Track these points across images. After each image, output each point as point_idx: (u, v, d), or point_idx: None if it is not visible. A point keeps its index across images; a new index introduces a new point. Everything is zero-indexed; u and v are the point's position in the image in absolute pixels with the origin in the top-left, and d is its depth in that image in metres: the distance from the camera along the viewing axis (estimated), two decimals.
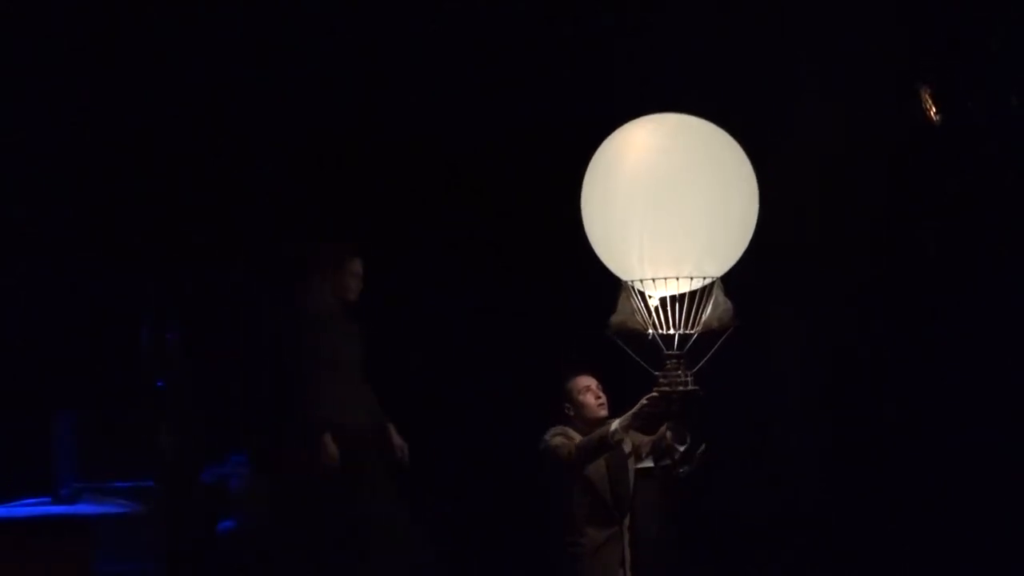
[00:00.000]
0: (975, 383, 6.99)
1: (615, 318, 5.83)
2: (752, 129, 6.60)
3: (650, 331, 5.71)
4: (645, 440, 6.24)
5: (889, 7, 7.07)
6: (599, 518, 6.27)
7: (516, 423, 6.72)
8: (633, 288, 5.68)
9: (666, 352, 5.65)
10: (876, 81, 7.09)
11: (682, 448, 5.93)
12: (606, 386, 6.39)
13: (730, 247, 5.70)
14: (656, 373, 5.70)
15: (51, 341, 7.13)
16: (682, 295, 5.66)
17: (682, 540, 6.62)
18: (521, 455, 6.46)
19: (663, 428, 5.97)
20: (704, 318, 5.68)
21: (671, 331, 5.70)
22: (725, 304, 5.77)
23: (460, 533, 7.35)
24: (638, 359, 5.68)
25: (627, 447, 6.27)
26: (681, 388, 5.66)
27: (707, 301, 5.69)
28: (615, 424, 6.09)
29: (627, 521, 6.31)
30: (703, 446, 5.92)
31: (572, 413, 6.37)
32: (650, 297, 5.69)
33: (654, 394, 5.78)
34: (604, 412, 6.44)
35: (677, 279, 5.60)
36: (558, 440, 6.23)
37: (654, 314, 5.67)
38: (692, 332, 5.66)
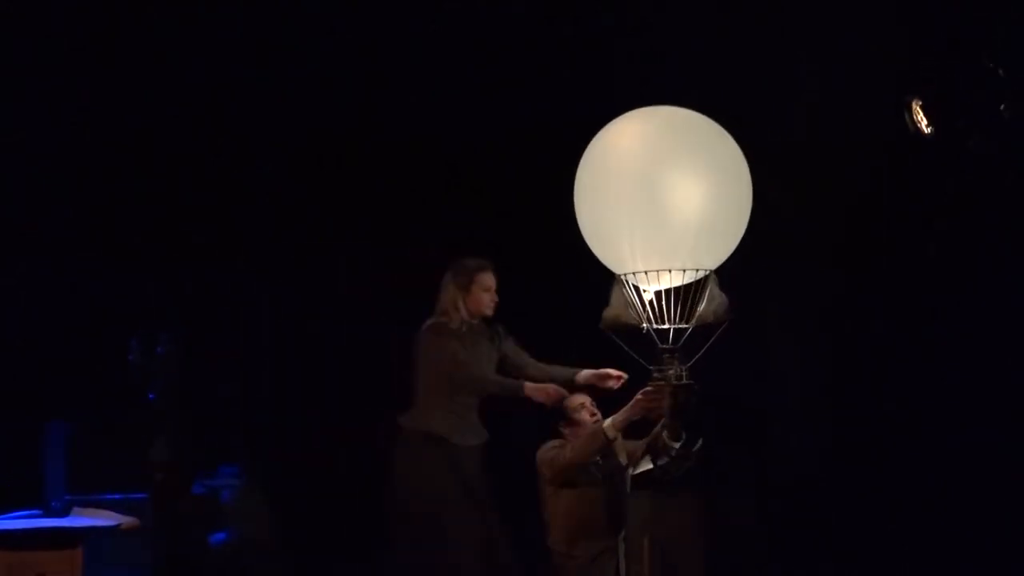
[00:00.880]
0: (975, 383, 6.99)
1: (608, 312, 5.84)
2: (752, 128, 6.60)
3: (644, 325, 5.72)
4: (640, 445, 6.24)
5: (889, 7, 7.07)
6: (594, 531, 6.27)
7: (515, 422, 6.71)
8: (627, 282, 5.68)
9: (660, 346, 5.66)
10: (876, 81, 7.08)
11: (678, 445, 5.94)
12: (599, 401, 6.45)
13: (724, 237, 5.69)
14: (651, 367, 5.71)
15: (44, 350, 7.12)
16: (676, 288, 5.66)
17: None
18: (520, 456, 6.47)
19: (657, 428, 5.97)
20: (699, 311, 5.68)
21: (665, 325, 5.71)
22: (720, 298, 5.76)
23: None
24: (633, 353, 5.69)
25: (623, 458, 6.27)
26: (676, 382, 5.68)
27: (702, 294, 5.70)
28: (608, 421, 6.11)
29: (623, 534, 6.31)
30: (699, 441, 5.92)
31: (567, 431, 6.38)
32: (644, 291, 5.69)
33: (649, 388, 5.79)
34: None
35: (670, 272, 5.61)
36: (551, 453, 6.25)
37: (648, 308, 5.68)
38: (687, 326, 5.67)
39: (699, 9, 7.69)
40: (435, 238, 7.76)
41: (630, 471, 6.32)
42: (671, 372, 5.69)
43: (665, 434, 5.91)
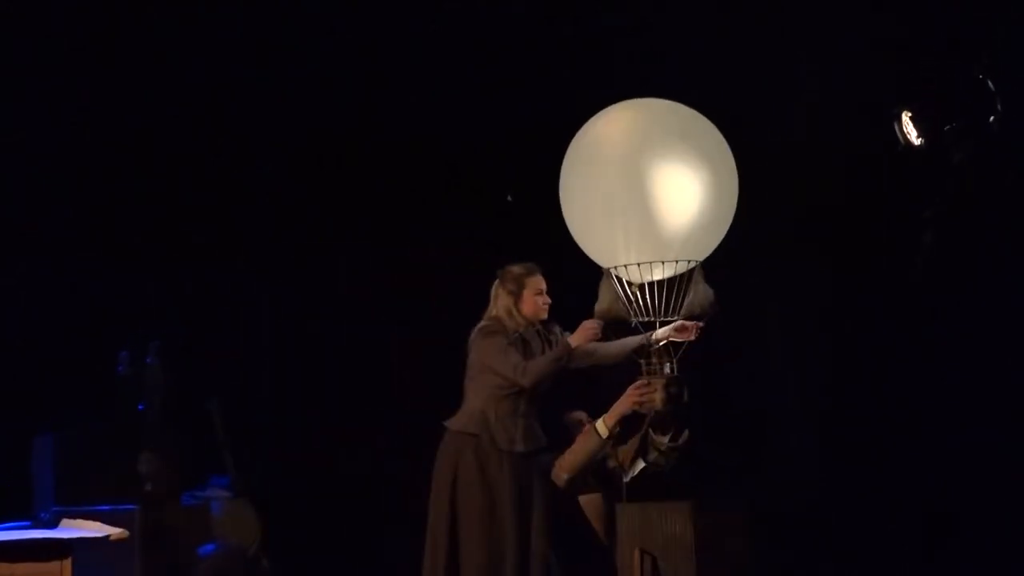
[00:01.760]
0: (975, 383, 6.99)
1: (599, 307, 5.86)
2: (752, 129, 6.61)
3: (633, 319, 5.73)
4: (628, 448, 6.24)
5: (889, 7, 7.07)
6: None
7: None
8: (614, 275, 5.70)
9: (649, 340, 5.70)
10: (876, 81, 7.08)
11: (666, 439, 5.95)
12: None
13: (710, 227, 5.69)
14: (640, 360, 5.71)
15: (41, 352, 7.11)
16: (662, 282, 5.68)
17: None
18: None
19: (646, 424, 5.99)
20: (686, 304, 5.69)
21: (653, 318, 5.72)
22: (707, 291, 5.77)
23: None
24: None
25: (617, 461, 6.27)
26: (666, 373, 5.69)
27: (689, 287, 5.71)
28: (599, 421, 6.11)
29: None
30: (686, 433, 5.94)
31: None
32: (629, 284, 5.70)
33: (640, 381, 5.81)
34: None
35: (663, 263, 5.62)
36: (554, 468, 6.25)
37: (636, 301, 5.70)
38: (674, 319, 5.69)
39: (699, 9, 7.69)
40: (435, 238, 7.77)
41: (625, 478, 6.31)
42: (658, 364, 5.71)
43: (652, 432, 5.94)
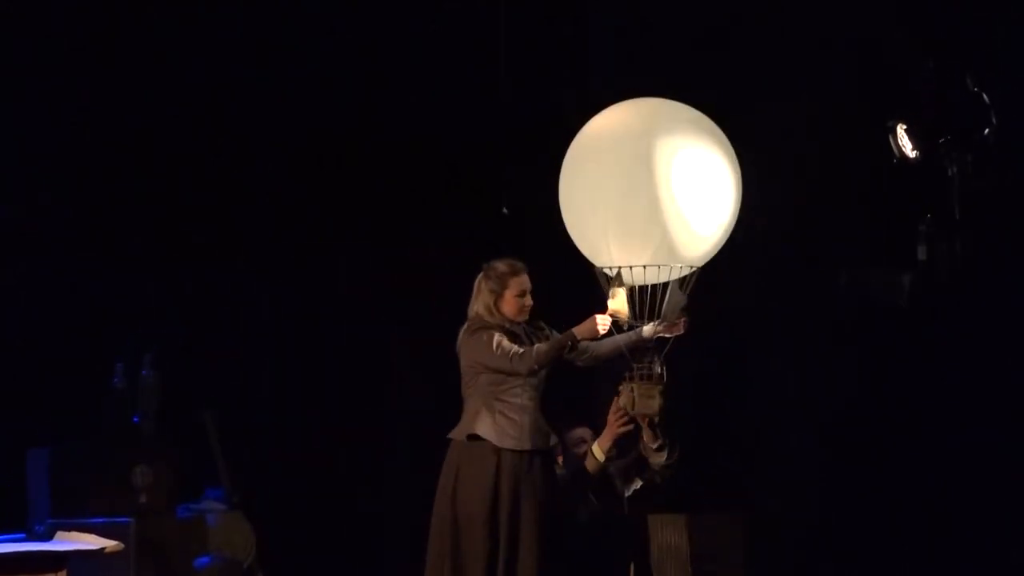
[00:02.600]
0: (975, 383, 6.99)
1: (612, 306, 5.82)
2: (752, 130, 6.61)
3: (630, 322, 5.73)
4: (623, 465, 6.27)
5: (888, 8, 7.07)
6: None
7: None
8: (601, 273, 5.70)
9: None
10: (875, 80, 7.08)
11: (657, 446, 5.98)
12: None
13: (710, 231, 5.67)
14: (634, 364, 5.70)
15: (40, 352, 7.10)
16: (643, 287, 5.66)
17: None
18: None
19: (639, 444, 6.03)
20: (665, 309, 5.68)
21: (637, 323, 5.72)
22: (680, 295, 5.74)
23: None
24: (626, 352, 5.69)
25: (617, 484, 6.30)
26: (656, 373, 5.68)
27: (666, 292, 5.69)
28: (595, 445, 6.13)
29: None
30: (678, 450, 5.97)
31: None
32: (624, 284, 5.68)
33: (617, 409, 5.84)
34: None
35: (658, 268, 5.61)
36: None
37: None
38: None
39: (699, 9, 7.69)
40: (435, 238, 7.77)
41: (626, 495, 6.33)
42: (647, 368, 5.68)
43: (647, 439, 5.96)
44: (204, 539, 6.72)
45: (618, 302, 5.77)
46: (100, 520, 6.27)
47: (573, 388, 6.78)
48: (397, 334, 7.84)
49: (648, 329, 5.83)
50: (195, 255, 7.51)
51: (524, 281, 6.10)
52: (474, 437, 6.03)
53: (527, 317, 6.14)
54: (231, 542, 6.85)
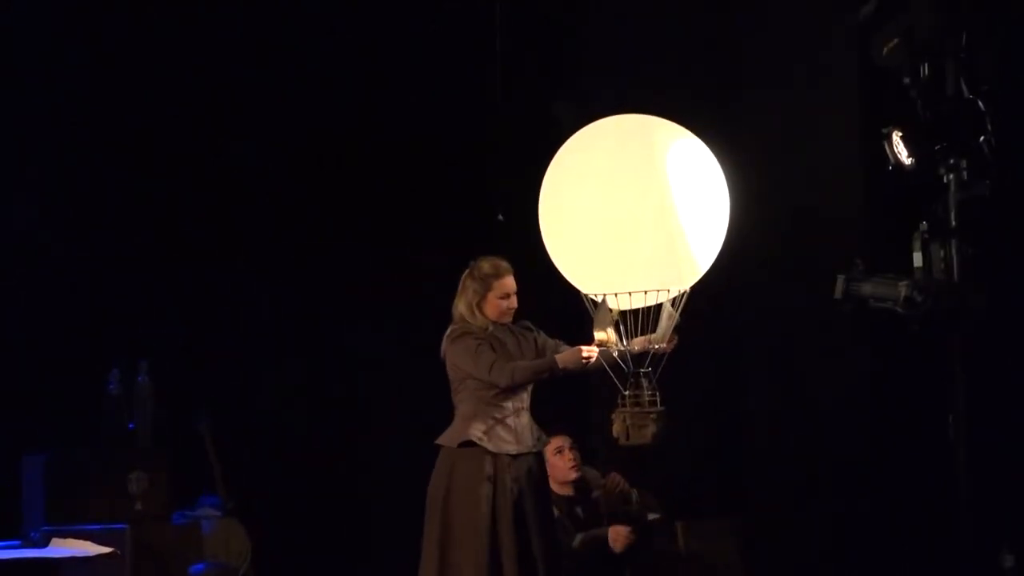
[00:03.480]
0: (975, 383, 6.97)
1: (598, 336, 5.69)
2: (751, 131, 6.61)
3: (619, 347, 5.59)
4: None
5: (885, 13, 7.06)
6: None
7: None
8: (587, 299, 5.60)
9: (633, 369, 5.54)
10: (875, 79, 7.07)
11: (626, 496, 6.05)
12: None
13: (699, 253, 5.56)
14: (625, 391, 5.57)
15: (38, 352, 7.11)
16: (635, 310, 5.53)
17: None
18: None
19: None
20: (659, 332, 5.55)
21: (625, 346, 5.57)
22: (673, 314, 5.61)
23: None
24: (622, 364, 5.65)
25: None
26: (648, 399, 5.54)
27: (661, 314, 5.56)
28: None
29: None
30: (635, 494, 6.02)
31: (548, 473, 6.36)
32: (611, 311, 5.56)
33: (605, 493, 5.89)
34: (575, 475, 6.66)
35: (643, 293, 5.47)
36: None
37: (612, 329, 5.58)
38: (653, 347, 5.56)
39: (699, 10, 7.69)
40: (435, 238, 7.77)
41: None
42: (634, 395, 5.55)
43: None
44: (199, 545, 6.72)
45: (604, 331, 5.64)
46: (96, 527, 6.27)
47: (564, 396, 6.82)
48: (397, 334, 7.85)
49: (639, 341, 5.67)
50: (195, 255, 7.52)
51: (508, 284, 5.97)
52: (467, 443, 5.90)
53: (511, 319, 6.03)
54: (226, 549, 6.85)
